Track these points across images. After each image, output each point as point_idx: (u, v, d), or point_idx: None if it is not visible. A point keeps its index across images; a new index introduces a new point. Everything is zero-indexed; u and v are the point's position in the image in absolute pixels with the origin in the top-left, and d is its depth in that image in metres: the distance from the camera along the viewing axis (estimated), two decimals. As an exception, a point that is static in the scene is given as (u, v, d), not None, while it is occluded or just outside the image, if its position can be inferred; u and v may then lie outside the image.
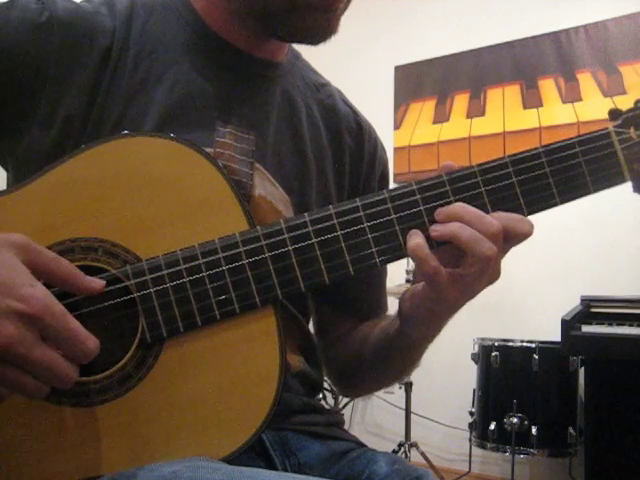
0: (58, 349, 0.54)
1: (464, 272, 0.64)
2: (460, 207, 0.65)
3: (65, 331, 0.54)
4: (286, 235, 0.65)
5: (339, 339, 0.91)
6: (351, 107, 0.94)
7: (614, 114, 0.71)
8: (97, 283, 0.60)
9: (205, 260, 0.64)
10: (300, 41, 0.80)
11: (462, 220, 0.64)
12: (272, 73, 0.85)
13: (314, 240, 0.65)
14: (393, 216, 0.66)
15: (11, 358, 0.52)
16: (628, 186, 0.72)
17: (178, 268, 0.63)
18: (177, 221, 0.65)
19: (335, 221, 0.66)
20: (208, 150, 0.71)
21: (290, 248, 0.65)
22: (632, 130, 0.69)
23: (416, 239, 0.65)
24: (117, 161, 0.66)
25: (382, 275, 0.96)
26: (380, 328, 0.84)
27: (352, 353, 0.89)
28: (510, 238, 0.66)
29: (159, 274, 0.63)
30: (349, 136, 0.91)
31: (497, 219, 0.65)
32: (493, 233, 0.63)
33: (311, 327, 0.92)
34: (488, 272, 0.65)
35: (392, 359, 0.83)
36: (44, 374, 0.54)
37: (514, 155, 0.68)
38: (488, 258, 0.63)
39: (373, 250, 0.66)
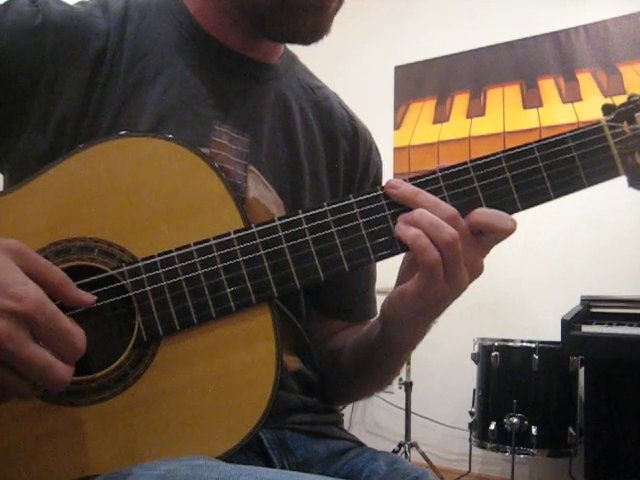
0: (50, 349, 0.54)
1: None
2: (416, 192, 0.66)
3: (56, 329, 0.54)
4: (281, 233, 0.65)
5: (319, 343, 0.89)
6: (347, 110, 0.94)
7: (607, 109, 0.71)
8: (88, 297, 0.59)
9: (200, 258, 0.64)
10: (292, 41, 0.79)
11: (420, 206, 0.65)
12: (266, 75, 0.84)
13: (309, 237, 0.65)
14: (387, 212, 0.66)
15: (2, 357, 0.52)
16: (626, 186, 0.72)
17: (174, 266, 0.64)
18: (173, 220, 0.65)
19: (330, 218, 0.66)
20: (204, 150, 0.72)
21: (285, 245, 0.65)
22: (625, 124, 0.70)
23: (413, 229, 0.65)
24: (114, 161, 0.66)
25: (369, 280, 0.94)
26: (362, 334, 0.83)
27: (329, 359, 0.88)
28: (490, 233, 0.66)
29: (155, 273, 0.63)
30: (344, 139, 0.90)
31: (478, 214, 0.65)
32: (450, 216, 0.64)
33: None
34: (458, 261, 0.64)
35: (373, 366, 0.82)
36: (34, 374, 0.53)
37: (507, 150, 0.68)
38: (449, 243, 0.63)
39: (368, 246, 0.66)
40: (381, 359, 0.80)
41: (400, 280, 0.71)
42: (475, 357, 2.76)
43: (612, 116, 0.70)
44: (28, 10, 0.73)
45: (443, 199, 0.66)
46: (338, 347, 0.88)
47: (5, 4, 0.74)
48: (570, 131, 0.69)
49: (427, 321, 0.72)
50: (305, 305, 0.86)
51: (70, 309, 0.59)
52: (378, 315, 0.77)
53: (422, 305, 0.68)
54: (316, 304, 0.89)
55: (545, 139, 0.68)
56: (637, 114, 0.70)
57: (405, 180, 0.67)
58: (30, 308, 0.52)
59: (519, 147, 0.68)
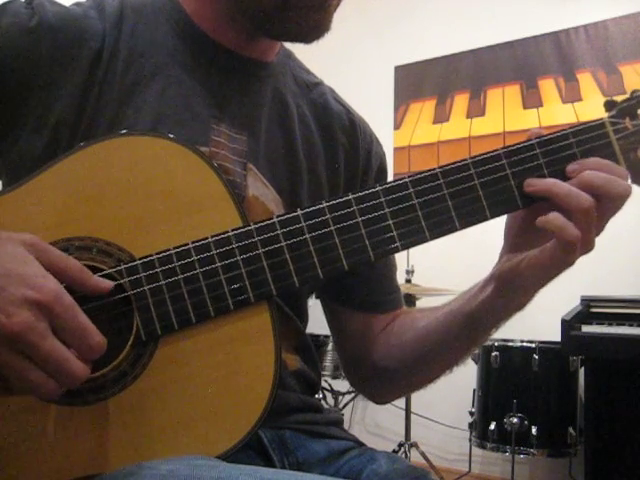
0: (67, 344, 0.55)
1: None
2: (552, 182, 0.66)
3: (73, 322, 0.55)
4: (279, 231, 0.65)
5: (373, 342, 0.89)
6: (344, 105, 0.94)
7: (609, 105, 0.71)
8: (105, 283, 0.61)
9: (198, 257, 0.64)
10: (293, 40, 0.80)
11: (559, 193, 0.64)
12: (263, 73, 0.84)
13: (307, 235, 0.65)
14: (386, 210, 0.66)
15: (22, 347, 0.53)
16: (629, 182, 0.72)
17: (172, 265, 0.64)
18: (171, 219, 0.65)
19: (328, 216, 0.66)
20: (204, 149, 0.72)
21: (283, 244, 0.65)
22: (627, 120, 0.69)
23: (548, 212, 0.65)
24: (112, 160, 0.66)
25: (391, 268, 0.94)
26: (443, 314, 0.81)
27: (389, 353, 0.88)
28: (604, 198, 0.65)
29: (153, 272, 0.63)
30: (342, 134, 0.90)
31: (590, 175, 0.65)
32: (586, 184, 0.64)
33: (308, 329, 0.91)
34: (591, 230, 0.64)
35: (471, 338, 0.81)
36: (51, 367, 0.54)
37: (508, 147, 0.68)
38: (586, 210, 0.63)
39: (367, 244, 0.66)
40: (478, 331, 0.79)
41: (513, 246, 0.71)
42: (475, 357, 2.75)
43: (614, 112, 0.70)
44: (24, 12, 0.73)
45: (442, 197, 0.66)
46: (399, 340, 0.88)
47: (1, 6, 0.74)
48: (571, 127, 0.69)
49: (544, 285, 0.71)
50: (343, 308, 0.88)
51: None
52: (479, 286, 0.76)
53: (553, 272, 0.67)
54: (356, 304, 0.90)
55: (546, 136, 0.68)
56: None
57: (407, 177, 0.67)
58: (50, 298, 0.54)
59: (520, 144, 0.68)
